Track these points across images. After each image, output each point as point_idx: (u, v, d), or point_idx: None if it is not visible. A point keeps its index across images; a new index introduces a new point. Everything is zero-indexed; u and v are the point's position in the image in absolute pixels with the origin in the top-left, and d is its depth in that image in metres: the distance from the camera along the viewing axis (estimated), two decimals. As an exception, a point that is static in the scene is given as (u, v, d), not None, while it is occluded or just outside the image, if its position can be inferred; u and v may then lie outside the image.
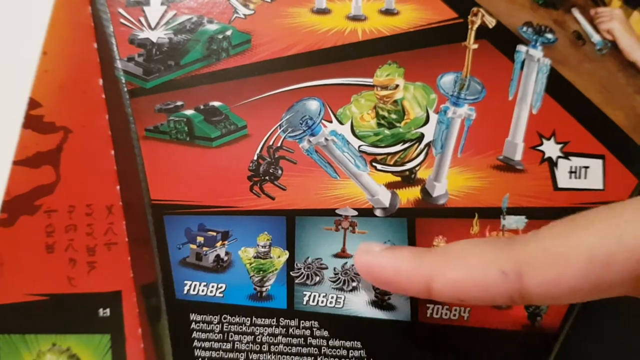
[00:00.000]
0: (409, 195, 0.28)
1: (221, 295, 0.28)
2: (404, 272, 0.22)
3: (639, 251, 0.17)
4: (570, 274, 0.18)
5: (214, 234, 0.28)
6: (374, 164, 0.28)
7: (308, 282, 0.28)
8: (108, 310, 0.29)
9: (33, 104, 0.28)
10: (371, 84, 0.28)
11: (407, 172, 0.28)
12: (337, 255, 0.28)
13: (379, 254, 0.24)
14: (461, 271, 0.20)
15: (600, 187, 0.28)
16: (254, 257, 0.28)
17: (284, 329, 0.28)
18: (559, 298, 0.19)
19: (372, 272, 0.24)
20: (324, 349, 0.28)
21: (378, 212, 0.28)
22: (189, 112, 0.28)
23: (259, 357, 0.28)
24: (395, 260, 0.23)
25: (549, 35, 0.28)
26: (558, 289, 0.18)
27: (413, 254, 0.23)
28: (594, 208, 0.19)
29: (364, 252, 0.24)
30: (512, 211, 0.28)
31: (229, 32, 0.27)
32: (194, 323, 0.29)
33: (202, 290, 0.28)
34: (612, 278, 0.18)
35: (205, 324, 0.28)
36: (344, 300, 0.28)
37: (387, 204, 0.28)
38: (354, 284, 0.28)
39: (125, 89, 0.28)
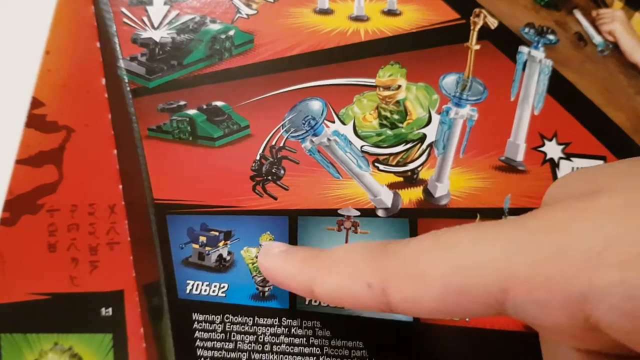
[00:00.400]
0: (411, 196, 0.28)
1: (223, 295, 0.28)
2: (291, 276, 0.23)
3: (496, 281, 0.16)
4: (427, 297, 0.17)
5: (217, 233, 0.28)
6: (376, 164, 0.28)
7: (310, 282, 0.28)
8: (110, 309, 0.29)
9: (36, 103, 0.28)
10: (374, 84, 0.28)
11: (410, 173, 0.28)
12: (339, 255, 0.28)
13: (275, 256, 0.24)
14: (335, 280, 0.20)
15: (602, 188, 0.28)
16: (257, 257, 0.28)
17: (286, 329, 0.28)
18: (423, 315, 0.18)
19: (268, 274, 0.25)
20: (326, 348, 0.28)
21: (380, 213, 0.28)
22: (192, 111, 0.28)
23: (261, 356, 0.28)
24: (284, 264, 0.23)
25: (551, 37, 0.28)
26: (418, 308, 0.18)
27: (303, 257, 0.23)
28: (462, 225, 0.18)
29: (263, 253, 0.25)
30: (514, 212, 0.28)
31: (231, 32, 0.27)
32: (196, 323, 0.29)
33: (205, 290, 0.28)
34: (470, 307, 0.17)
35: (207, 324, 0.28)
36: (346, 300, 0.28)
37: (389, 204, 0.28)
38: (356, 284, 0.28)
39: (128, 89, 0.28)
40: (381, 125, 0.28)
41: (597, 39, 0.28)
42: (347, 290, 0.20)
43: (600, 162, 0.28)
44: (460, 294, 0.16)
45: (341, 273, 0.20)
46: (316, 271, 0.22)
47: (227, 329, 0.28)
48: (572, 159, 0.28)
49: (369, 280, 0.19)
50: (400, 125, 0.28)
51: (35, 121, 0.28)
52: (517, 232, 0.16)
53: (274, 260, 0.24)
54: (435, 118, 0.28)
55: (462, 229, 0.18)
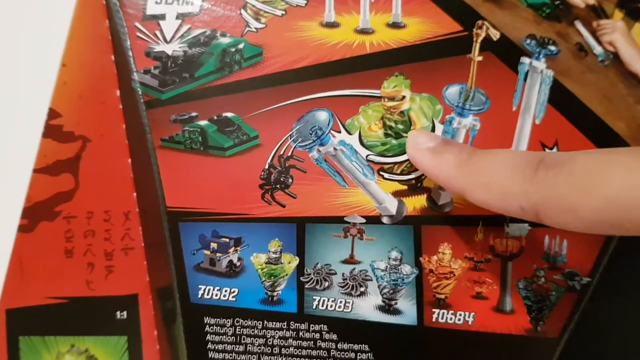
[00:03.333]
0: (415, 203, 0.29)
1: (234, 299, 0.29)
2: (442, 179, 0.25)
3: None
4: (579, 226, 0.19)
5: (227, 240, 0.29)
6: (381, 172, 0.29)
7: (317, 287, 0.29)
8: (125, 312, 0.29)
9: (53, 114, 0.29)
10: (379, 95, 0.28)
11: (414, 181, 0.29)
12: (345, 261, 0.29)
13: (424, 154, 0.25)
14: (488, 198, 0.22)
15: (602, 195, 0.28)
16: (266, 263, 0.29)
17: (295, 332, 0.29)
18: (572, 230, 0.20)
19: (418, 166, 0.26)
20: (332, 351, 0.29)
21: (385, 220, 0.29)
22: (203, 122, 0.29)
23: (270, 359, 0.29)
24: (435, 165, 0.25)
25: (552, 47, 0.28)
26: (569, 228, 0.20)
27: (454, 163, 0.24)
28: (617, 150, 0.20)
29: (412, 146, 0.26)
30: (516, 219, 0.28)
31: (241, 45, 0.28)
32: (208, 326, 0.29)
33: (216, 295, 0.29)
34: (618, 231, 0.19)
35: (218, 327, 0.29)
36: (352, 305, 0.29)
37: (394, 211, 0.29)
38: (362, 289, 0.29)
39: (142, 100, 0.29)
40: (386, 135, 0.29)
41: (598, 49, 0.28)
42: (501, 207, 0.22)
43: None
44: (612, 228, 0.19)
45: (494, 193, 0.22)
46: (468, 184, 0.23)
47: (237, 332, 0.29)
48: (572, 167, 0.28)
49: (522, 204, 0.21)
50: (404, 135, 0.29)
51: (53, 131, 0.29)
52: None
53: (424, 158, 0.25)
54: (439, 128, 0.28)
55: (612, 158, 0.19)
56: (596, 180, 0.19)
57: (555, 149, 0.28)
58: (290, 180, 0.29)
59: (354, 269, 0.29)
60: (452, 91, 0.28)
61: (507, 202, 0.21)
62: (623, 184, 0.18)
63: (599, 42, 0.28)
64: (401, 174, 0.29)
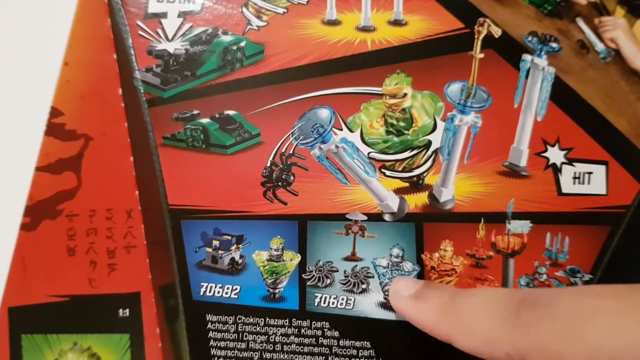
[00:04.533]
0: (416, 201, 0.29)
1: (236, 296, 0.29)
2: (427, 326, 0.25)
3: None
4: None
5: (229, 237, 0.29)
6: (382, 170, 0.29)
7: (319, 284, 0.29)
8: (127, 310, 0.29)
9: (55, 112, 0.29)
10: (380, 92, 0.28)
11: (415, 178, 0.29)
12: (347, 259, 0.29)
13: (406, 302, 0.26)
14: (473, 344, 0.22)
15: (604, 192, 0.28)
16: (268, 260, 0.29)
17: (296, 329, 0.29)
18: None
19: (403, 316, 0.26)
20: (334, 348, 0.29)
21: (387, 217, 0.29)
22: (205, 120, 0.29)
23: (272, 356, 0.29)
24: (419, 313, 0.25)
25: (554, 45, 0.28)
26: None
27: (437, 309, 0.24)
28: (601, 292, 0.19)
29: (394, 296, 0.27)
30: (517, 216, 0.28)
31: (243, 44, 0.28)
32: (210, 323, 0.29)
33: (218, 292, 0.29)
34: None
35: (220, 324, 0.29)
36: (353, 302, 0.29)
37: (395, 209, 0.29)
38: (364, 286, 0.29)
39: (144, 99, 0.29)
40: (387, 132, 0.29)
41: (600, 46, 0.28)
42: (488, 355, 0.21)
43: (602, 167, 0.28)
44: None
45: (479, 340, 0.22)
46: (453, 330, 0.23)
47: (239, 330, 0.29)
48: (574, 164, 0.28)
49: (508, 351, 0.21)
50: (406, 132, 0.29)
51: (55, 130, 0.29)
52: None
53: (407, 307, 0.26)
54: (440, 125, 0.28)
55: (597, 304, 0.19)
56: (580, 327, 0.19)
57: (557, 146, 0.28)
58: (292, 177, 0.29)
59: (356, 266, 0.29)
60: (454, 88, 0.28)
61: (493, 349, 0.21)
62: (609, 332, 0.18)
63: (601, 39, 0.28)
64: (403, 171, 0.29)
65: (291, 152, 0.29)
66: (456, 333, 0.23)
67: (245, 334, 0.29)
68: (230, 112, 0.29)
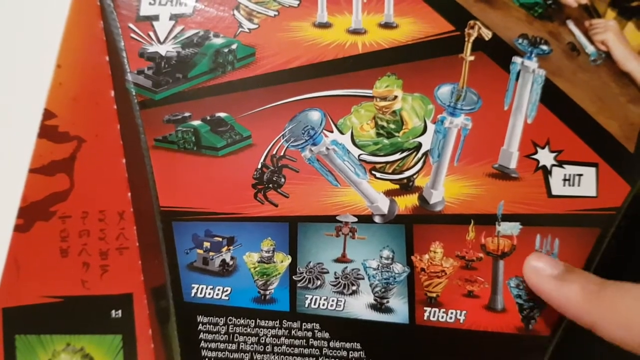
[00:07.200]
0: (407, 203, 0.29)
1: (227, 298, 0.29)
2: (571, 309, 0.25)
3: None
4: None
5: (220, 239, 0.29)
6: (373, 172, 0.29)
7: (310, 285, 0.29)
8: (120, 311, 0.30)
9: (48, 114, 0.29)
10: (371, 95, 0.28)
11: (405, 180, 0.29)
12: (337, 260, 0.29)
13: (549, 282, 0.26)
14: (625, 335, 0.22)
15: (594, 194, 0.28)
16: (258, 262, 0.29)
17: (287, 331, 0.29)
18: None
19: (540, 293, 0.26)
20: (325, 350, 0.29)
21: (377, 219, 0.29)
22: (196, 122, 0.29)
23: (263, 357, 0.29)
24: (564, 298, 0.25)
25: (544, 47, 0.28)
26: None
27: (581, 293, 0.24)
28: None
29: (533, 271, 0.26)
30: (507, 218, 0.28)
31: (234, 46, 0.28)
32: (201, 324, 0.29)
33: (209, 293, 0.29)
34: None
35: (211, 326, 0.29)
36: (344, 304, 0.29)
37: (385, 210, 0.29)
38: (354, 287, 0.29)
39: (136, 101, 0.29)
40: (378, 134, 0.29)
41: (590, 48, 0.28)
42: (636, 348, 0.22)
43: (592, 169, 0.28)
44: None
45: (628, 331, 0.22)
46: (602, 320, 0.23)
47: (230, 331, 0.29)
48: (564, 166, 0.28)
49: None
50: (396, 134, 0.29)
51: (48, 132, 0.29)
52: None
53: (549, 287, 0.25)
54: (431, 127, 0.29)
55: None
56: None
57: (547, 148, 0.28)
58: (282, 179, 0.29)
59: (346, 267, 0.29)
60: (444, 91, 0.28)
61: None
62: None
63: (591, 42, 0.28)
64: (393, 173, 0.29)
65: (282, 154, 0.29)
66: (606, 323, 0.23)
67: (236, 335, 0.29)
68: (222, 115, 0.29)
